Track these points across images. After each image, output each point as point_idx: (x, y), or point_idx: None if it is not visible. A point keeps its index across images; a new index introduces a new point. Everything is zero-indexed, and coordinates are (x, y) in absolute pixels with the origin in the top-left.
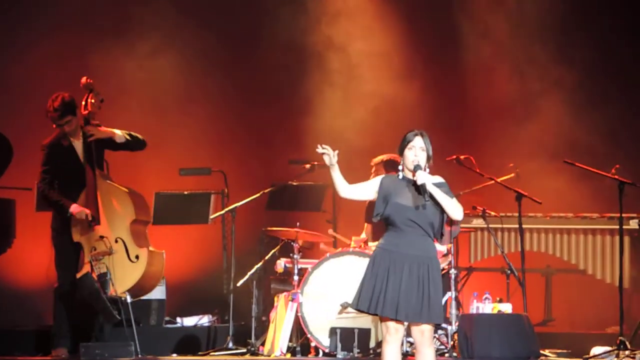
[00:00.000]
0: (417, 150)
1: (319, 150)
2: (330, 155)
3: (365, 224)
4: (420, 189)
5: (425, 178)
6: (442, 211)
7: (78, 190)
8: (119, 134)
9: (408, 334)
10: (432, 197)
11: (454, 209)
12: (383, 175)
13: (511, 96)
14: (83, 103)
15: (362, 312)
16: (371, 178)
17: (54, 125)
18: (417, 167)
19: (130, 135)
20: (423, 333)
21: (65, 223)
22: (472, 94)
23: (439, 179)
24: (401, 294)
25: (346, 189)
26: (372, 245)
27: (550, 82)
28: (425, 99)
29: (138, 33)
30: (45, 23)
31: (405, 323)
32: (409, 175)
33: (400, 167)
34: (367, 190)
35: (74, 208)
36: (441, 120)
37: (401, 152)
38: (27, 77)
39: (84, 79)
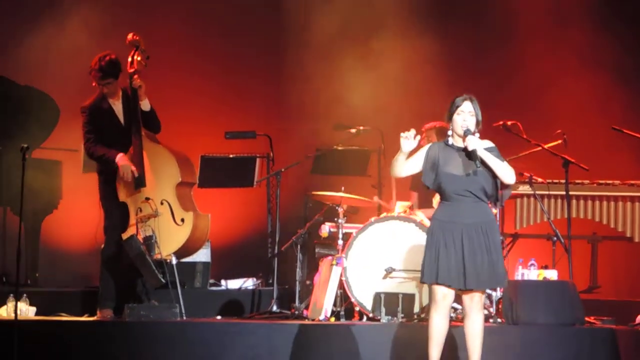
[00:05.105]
0: (466, 115)
1: (404, 134)
2: (410, 141)
3: (411, 192)
4: (471, 155)
5: (476, 143)
6: (494, 176)
7: (121, 151)
8: (147, 102)
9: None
10: (483, 162)
11: (506, 172)
12: (428, 145)
13: (558, 62)
14: (129, 60)
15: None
16: (422, 144)
17: (94, 83)
18: (467, 132)
19: (152, 110)
20: (473, 299)
21: (111, 186)
22: (520, 59)
23: (488, 143)
24: (466, 263)
25: (404, 171)
26: (418, 212)
27: (599, 48)
28: (472, 64)
29: None
30: None
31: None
32: (458, 142)
33: (449, 133)
34: (415, 164)
35: (120, 159)
36: (488, 87)
37: (450, 118)
38: (73, 37)
39: (130, 36)
